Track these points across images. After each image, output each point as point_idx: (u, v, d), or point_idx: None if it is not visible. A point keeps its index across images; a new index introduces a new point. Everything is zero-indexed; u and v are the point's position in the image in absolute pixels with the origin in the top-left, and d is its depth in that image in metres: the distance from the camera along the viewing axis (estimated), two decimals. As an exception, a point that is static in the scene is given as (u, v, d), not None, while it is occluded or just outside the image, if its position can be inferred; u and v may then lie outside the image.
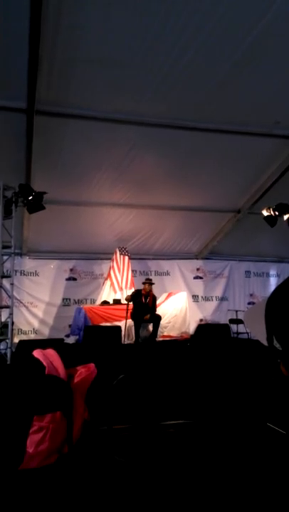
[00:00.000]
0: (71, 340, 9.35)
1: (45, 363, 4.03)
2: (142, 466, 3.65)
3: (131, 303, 8.93)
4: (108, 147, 7.33)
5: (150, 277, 10.13)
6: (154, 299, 9.26)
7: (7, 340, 7.29)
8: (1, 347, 7.47)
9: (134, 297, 9.00)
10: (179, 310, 9.90)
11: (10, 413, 3.80)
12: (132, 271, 10.38)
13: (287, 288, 1.03)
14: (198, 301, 11.72)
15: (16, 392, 3.98)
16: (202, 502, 3.07)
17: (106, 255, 10.53)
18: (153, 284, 9.28)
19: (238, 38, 5.36)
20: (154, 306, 9.14)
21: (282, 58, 5.69)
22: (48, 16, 4.80)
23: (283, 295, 1.04)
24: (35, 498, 3.13)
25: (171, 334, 9.58)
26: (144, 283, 9.23)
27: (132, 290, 9.68)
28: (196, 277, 11.83)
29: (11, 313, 7.48)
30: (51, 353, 4.24)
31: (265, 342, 1.03)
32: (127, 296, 9.18)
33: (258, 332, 1.06)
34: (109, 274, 10.20)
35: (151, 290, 9.13)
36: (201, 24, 5.09)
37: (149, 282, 9.17)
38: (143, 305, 8.91)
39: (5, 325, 7.47)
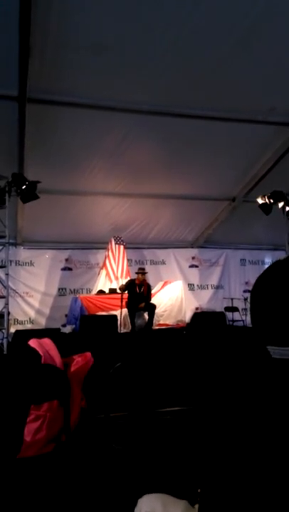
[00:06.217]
0: (68, 329, 9.37)
1: (41, 352, 4.04)
2: (140, 454, 3.68)
3: (126, 292, 8.94)
4: (102, 135, 7.24)
5: (143, 267, 10.11)
6: (149, 287, 9.26)
7: (3, 331, 7.29)
8: (-3, 337, 7.47)
9: (128, 287, 9.00)
10: (174, 298, 9.92)
11: (7, 402, 3.81)
12: (128, 260, 10.35)
13: (269, 278, 1.02)
14: (193, 290, 11.75)
15: (13, 381, 3.98)
16: (199, 488, 3.10)
17: (101, 245, 10.49)
18: (146, 273, 9.28)
19: (234, 24, 5.28)
20: (148, 295, 9.15)
21: (278, 44, 5.61)
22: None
23: (266, 286, 1.02)
24: (32, 487, 3.15)
25: (167, 322, 9.61)
26: (137, 273, 9.23)
27: (128, 279, 9.68)
28: (191, 266, 11.84)
29: (7, 304, 7.47)
30: (47, 342, 4.25)
31: None
32: (121, 285, 9.18)
33: None
34: (104, 264, 10.18)
35: (145, 279, 9.13)
36: (196, 10, 5.00)
37: (142, 272, 9.17)
38: (137, 294, 8.92)
39: (1, 315, 7.45)
